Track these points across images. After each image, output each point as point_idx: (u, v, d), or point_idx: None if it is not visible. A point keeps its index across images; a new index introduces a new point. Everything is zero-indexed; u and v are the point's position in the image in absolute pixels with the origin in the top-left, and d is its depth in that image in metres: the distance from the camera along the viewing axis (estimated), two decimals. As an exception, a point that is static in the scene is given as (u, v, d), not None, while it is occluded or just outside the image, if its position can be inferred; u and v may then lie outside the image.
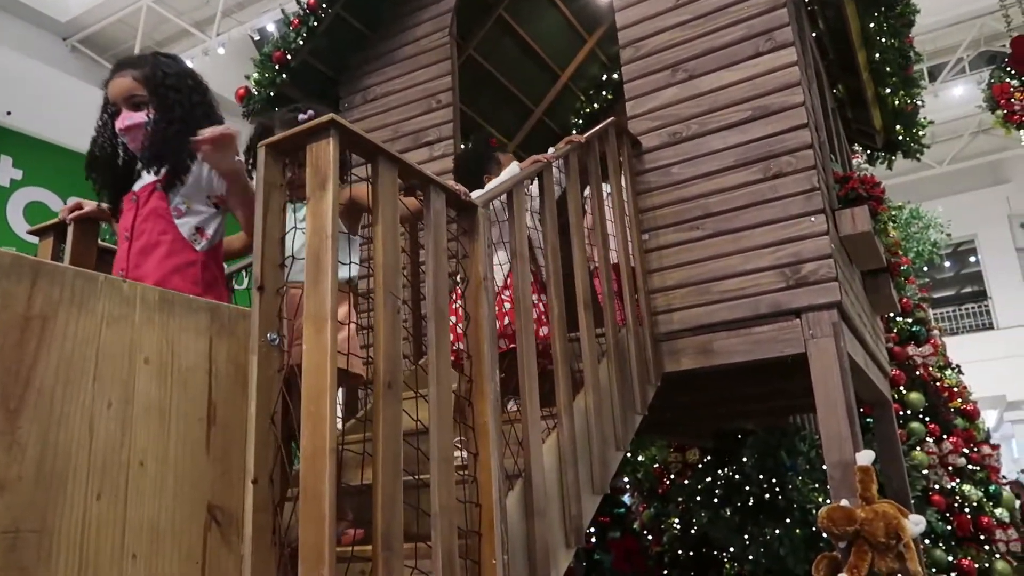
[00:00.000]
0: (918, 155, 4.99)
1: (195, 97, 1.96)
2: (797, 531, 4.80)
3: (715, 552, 5.86)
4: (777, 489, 5.00)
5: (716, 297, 3.14)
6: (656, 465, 6.46)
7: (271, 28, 10.79)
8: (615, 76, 5.85)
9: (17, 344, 1.17)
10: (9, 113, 9.78)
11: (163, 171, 1.91)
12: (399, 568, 1.52)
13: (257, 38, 11.77)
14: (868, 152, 5.40)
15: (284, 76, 4.14)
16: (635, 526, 6.19)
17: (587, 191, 2.98)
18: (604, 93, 5.92)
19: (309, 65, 4.23)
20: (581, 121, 5.91)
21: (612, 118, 3.21)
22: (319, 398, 1.45)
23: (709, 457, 5.87)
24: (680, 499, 5.79)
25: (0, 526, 1.10)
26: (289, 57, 4.09)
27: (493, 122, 5.44)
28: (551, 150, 2.77)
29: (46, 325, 1.21)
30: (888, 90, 4.37)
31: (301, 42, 4.04)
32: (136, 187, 1.98)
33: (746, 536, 5.03)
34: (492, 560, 1.79)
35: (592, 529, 5.63)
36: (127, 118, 1.92)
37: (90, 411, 1.25)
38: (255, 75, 4.18)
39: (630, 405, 2.81)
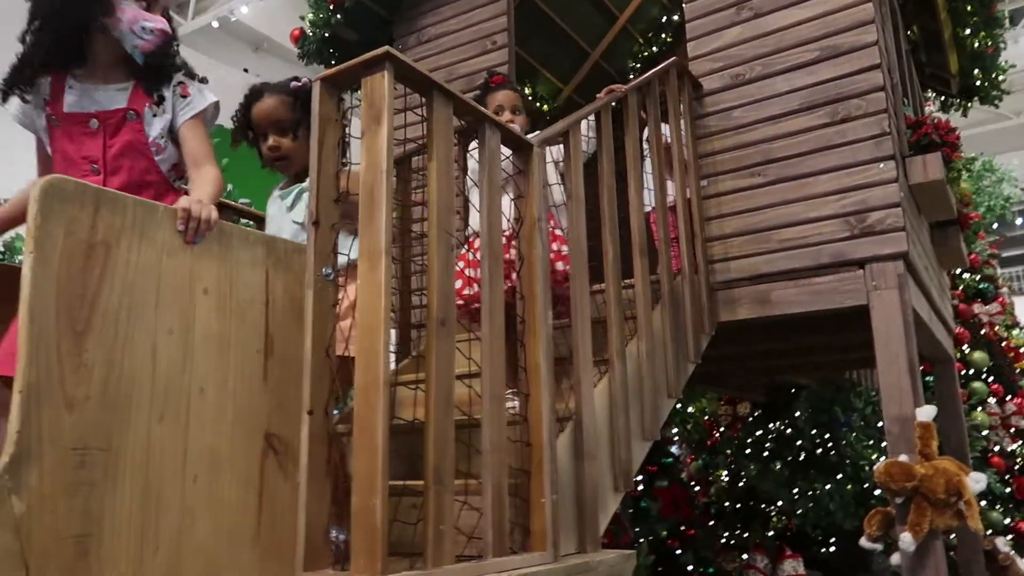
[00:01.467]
0: (997, 102, 4.72)
1: None
2: (848, 487, 4.74)
3: (763, 505, 5.84)
4: (830, 444, 4.93)
5: (776, 246, 3.05)
6: (706, 417, 6.42)
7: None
8: (675, 17, 5.65)
9: (82, 269, 1.20)
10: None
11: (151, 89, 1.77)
12: (449, 502, 1.54)
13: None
14: (943, 99, 5.13)
15: (339, 17, 4.10)
16: (683, 476, 6.19)
17: (645, 133, 2.90)
18: (664, 36, 5.73)
19: (363, 5, 4.18)
20: (639, 65, 5.74)
21: (674, 58, 3.10)
22: (373, 333, 1.45)
23: (760, 411, 5.81)
24: (729, 451, 5.76)
25: (70, 443, 1.14)
26: (344, -2, 4.04)
27: (548, 65, 5.33)
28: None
29: (109, 252, 1.24)
30: (968, 30, 4.12)
31: (356, -19, 3.99)
32: (85, 104, 1.75)
33: (795, 490, 4.98)
34: (541, 499, 1.80)
35: (640, 477, 5.65)
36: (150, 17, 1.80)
37: (153, 337, 1.28)
38: (310, 16, 4.15)
39: (683, 353, 2.77)
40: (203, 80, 1.95)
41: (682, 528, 5.17)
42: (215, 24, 12.08)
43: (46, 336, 1.13)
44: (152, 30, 1.78)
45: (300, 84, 2.15)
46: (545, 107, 5.31)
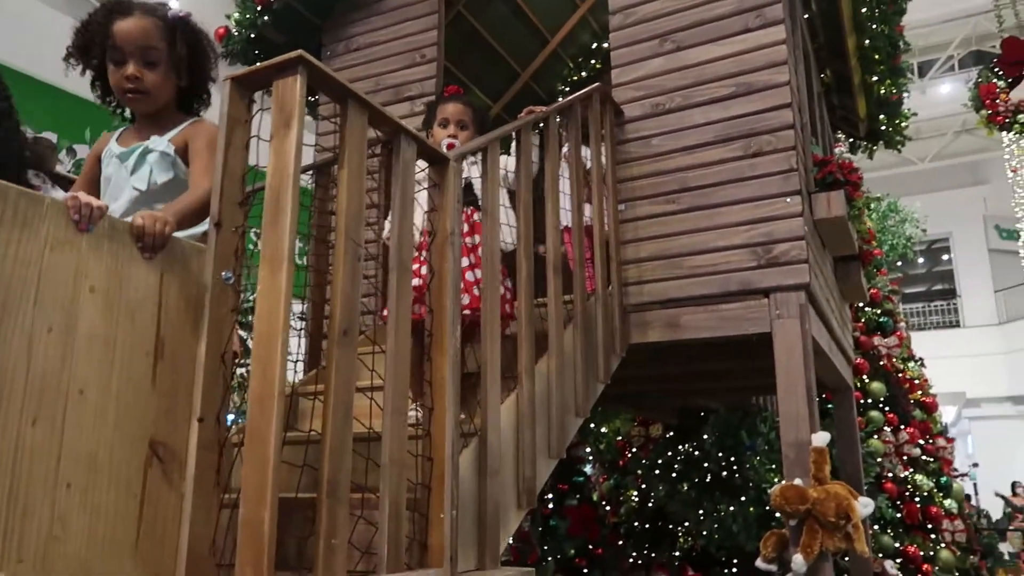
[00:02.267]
0: (899, 146, 5.01)
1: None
2: (751, 509, 4.88)
3: (670, 525, 5.95)
4: (735, 467, 5.07)
5: (687, 272, 3.13)
6: (619, 438, 6.51)
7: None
8: (605, 45, 5.77)
9: (-47, 261, 1.13)
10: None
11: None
12: (344, 516, 1.51)
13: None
14: (851, 141, 5.40)
15: (266, 18, 4.03)
16: (594, 496, 6.26)
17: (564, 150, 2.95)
18: (593, 62, 5.85)
19: (292, 8, 4.12)
20: (568, 88, 5.83)
21: (598, 84, 3.16)
22: (270, 342, 1.42)
23: (671, 433, 5.93)
24: (639, 472, 5.85)
25: (-74, 445, 1.06)
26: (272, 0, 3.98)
27: (479, 82, 5.36)
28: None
29: (-13, 243, 1.17)
30: (875, 77, 4.36)
31: (285, -16, 3.93)
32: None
33: (700, 511, 5.10)
34: (440, 514, 1.79)
35: (550, 496, 5.68)
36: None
37: (28, 335, 1.21)
38: (235, 15, 4.06)
39: (593, 373, 2.81)
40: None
41: (590, 547, 5.21)
42: None
43: (-94, 329, 1.06)
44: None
45: (178, 15, 1.94)
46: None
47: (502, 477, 2.11)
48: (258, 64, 1.63)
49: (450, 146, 2.63)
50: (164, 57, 1.87)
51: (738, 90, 3.18)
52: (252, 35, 4.05)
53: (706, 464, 5.17)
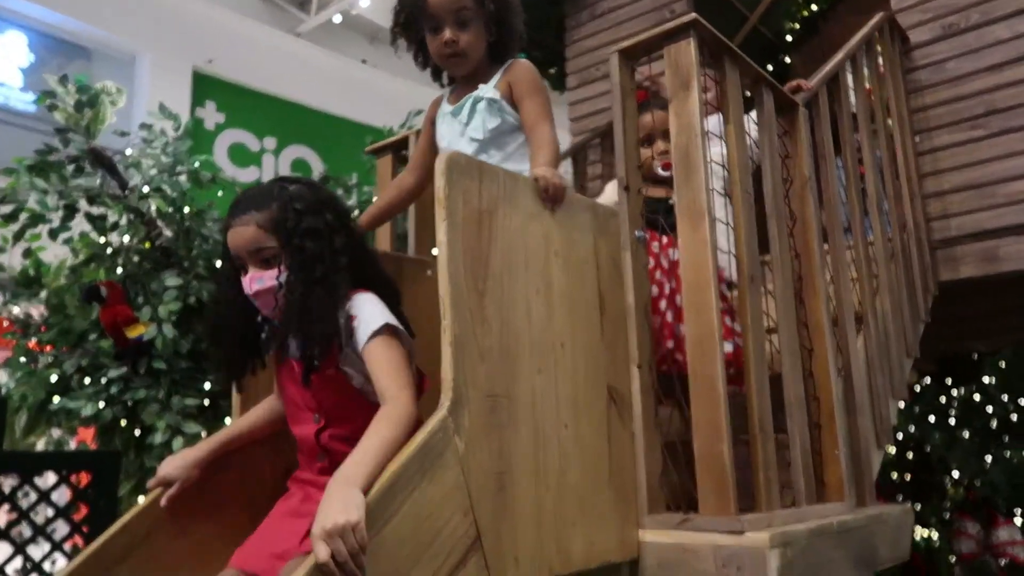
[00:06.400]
0: None
1: (338, 240, 1.48)
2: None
3: (937, 477, 5.62)
4: (1025, 411, 4.70)
5: (1003, 200, 2.93)
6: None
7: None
8: (836, -26, 5.46)
9: (476, 234, 1.31)
10: (211, 61, 10.67)
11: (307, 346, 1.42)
12: (772, 450, 1.60)
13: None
14: None
15: (512, -1, 4.18)
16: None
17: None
18: (823, -7, 5.54)
19: (536, -16, 4.25)
20: (798, 26, 5.57)
21: (883, 12, 3.01)
22: (702, 289, 1.53)
23: (928, 380, 5.57)
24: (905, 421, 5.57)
25: (484, 390, 1.26)
26: (518, -22, 4.12)
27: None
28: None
29: (493, 218, 1.35)
30: None
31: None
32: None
33: (988, 458, 4.78)
34: (835, 451, 1.84)
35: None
36: (255, 279, 1.46)
37: (526, 296, 1.39)
38: (485, -1, 4.24)
39: (915, 312, 2.72)
40: None
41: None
42: (337, 19, 12.49)
43: (460, 294, 1.25)
44: (257, 292, 1.51)
45: None
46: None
47: (865, 416, 2.12)
48: (643, 35, 1.74)
49: (665, 165, 2.00)
50: (474, 16, 1.84)
51: (1051, -4, 2.90)
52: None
53: (990, 409, 4.83)
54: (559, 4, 4.40)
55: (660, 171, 2.07)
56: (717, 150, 1.71)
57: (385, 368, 1.35)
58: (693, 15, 1.63)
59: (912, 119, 3.14)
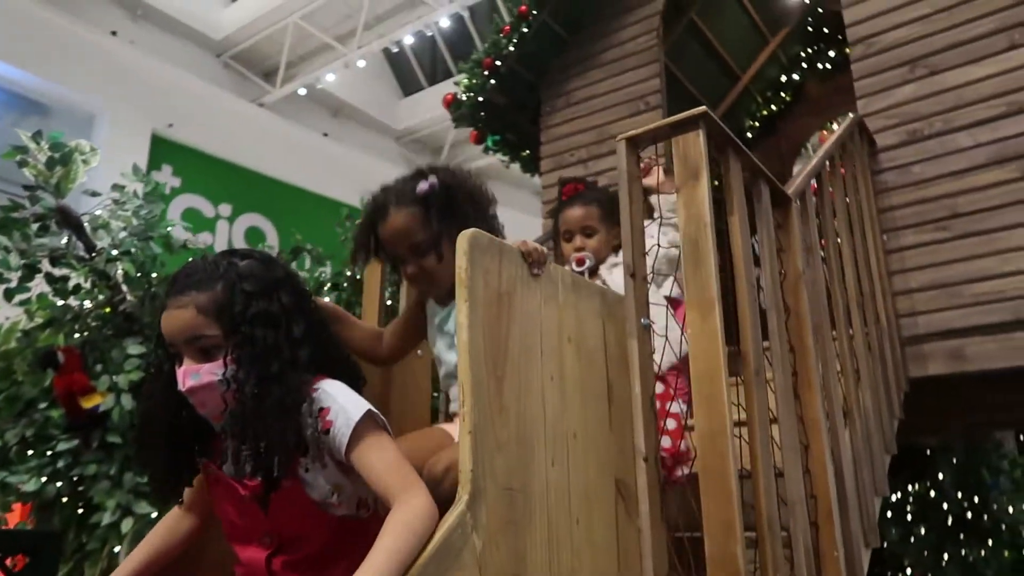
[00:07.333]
0: None
1: (296, 328, 1.27)
2: (1006, 553, 4.55)
3: (890, 573, 5.61)
4: (979, 508, 4.75)
5: (969, 300, 3.02)
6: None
7: (408, 40, 11.25)
8: (795, 77, 5.76)
9: (496, 317, 1.27)
10: (171, 125, 10.59)
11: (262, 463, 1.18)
12: (779, 551, 1.55)
13: (395, 50, 12.28)
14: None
15: (492, 82, 4.28)
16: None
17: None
18: (782, 94, 5.81)
19: (514, 71, 4.35)
20: (757, 123, 5.82)
21: (854, 115, 3.15)
22: (713, 380, 1.49)
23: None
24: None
25: (501, 483, 1.19)
26: (499, 63, 4.22)
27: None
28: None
29: (511, 300, 1.31)
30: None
31: (512, 48, 4.16)
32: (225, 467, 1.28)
33: (944, 556, 4.79)
34: (833, 552, 1.79)
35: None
36: (189, 373, 1.22)
37: (541, 383, 1.34)
38: (464, 81, 4.33)
39: (890, 408, 2.75)
40: None
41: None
42: (302, 92, 12.60)
43: (480, 380, 1.19)
44: (192, 388, 1.26)
45: (428, 186, 1.63)
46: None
47: (853, 515, 2.09)
48: (651, 124, 1.75)
49: (579, 260, 2.11)
50: (429, 239, 1.65)
51: (1009, 109, 3.07)
52: (480, 99, 4.30)
53: (944, 506, 4.87)
54: (536, 90, 4.50)
55: (574, 266, 2.09)
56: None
57: (381, 468, 1.17)
58: (703, 108, 1.65)
59: (880, 218, 3.25)
